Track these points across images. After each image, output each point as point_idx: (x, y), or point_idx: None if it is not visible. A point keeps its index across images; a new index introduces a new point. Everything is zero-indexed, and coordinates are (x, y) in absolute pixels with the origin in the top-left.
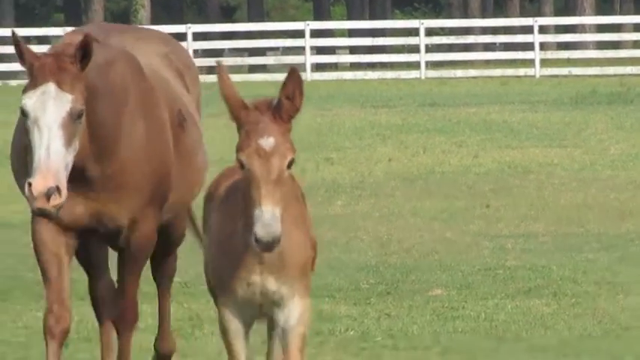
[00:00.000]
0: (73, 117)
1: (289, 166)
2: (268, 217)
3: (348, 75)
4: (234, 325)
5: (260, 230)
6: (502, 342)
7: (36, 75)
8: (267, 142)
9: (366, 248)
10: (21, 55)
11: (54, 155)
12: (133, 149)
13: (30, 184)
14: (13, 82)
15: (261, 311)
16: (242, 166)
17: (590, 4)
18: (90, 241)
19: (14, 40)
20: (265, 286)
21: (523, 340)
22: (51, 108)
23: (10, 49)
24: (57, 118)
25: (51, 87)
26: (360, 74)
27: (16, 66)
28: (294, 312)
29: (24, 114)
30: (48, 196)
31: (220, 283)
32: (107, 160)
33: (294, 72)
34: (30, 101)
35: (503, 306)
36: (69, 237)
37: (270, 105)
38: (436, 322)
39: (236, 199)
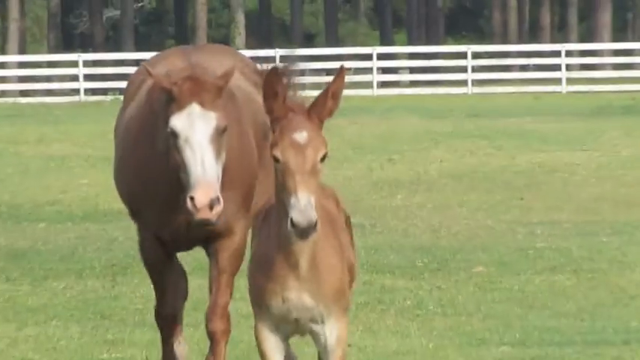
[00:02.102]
0: (219, 132)
1: (322, 159)
2: (304, 202)
3: (408, 91)
4: (269, 341)
5: (296, 215)
6: (531, 309)
7: (178, 97)
8: (301, 135)
9: (421, 233)
10: (160, 85)
11: (209, 169)
12: (232, 157)
13: (192, 198)
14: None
15: (298, 328)
16: (277, 160)
17: (608, 32)
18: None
19: (147, 71)
20: (302, 302)
21: (548, 308)
22: (199, 126)
23: (129, 70)
24: (206, 135)
25: (195, 107)
26: (417, 90)
27: None
28: (333, 333)
29: (174, 135)
30: (211, 206)
31: (258, 298)
32: None
33: (342, 71)
34: (179, 122)
35: (533, 280)
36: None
37: (303, 106)
38: (478, 294)
39: (270, 221)
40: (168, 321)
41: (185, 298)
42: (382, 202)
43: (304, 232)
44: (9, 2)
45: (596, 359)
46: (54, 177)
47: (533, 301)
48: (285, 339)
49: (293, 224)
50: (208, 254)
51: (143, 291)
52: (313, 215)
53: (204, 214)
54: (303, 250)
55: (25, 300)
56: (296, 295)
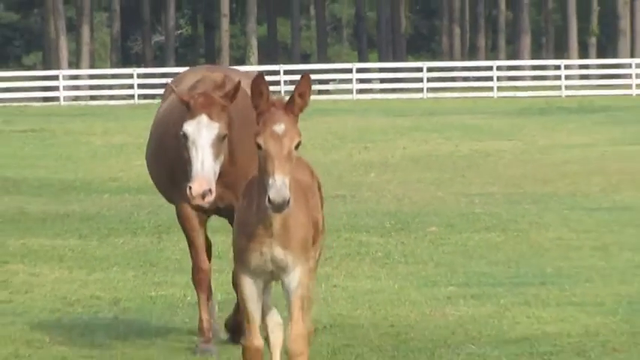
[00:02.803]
0: (220, 139)
1: (297, 147)
2: (280, 183)
3: (378, 96)
4: (249, 288)
5: (273, 194)
6: (471, 259)
7: (193, 109)
8: (280, 127)
9: (388, 202)
10: (181, 99)
11: (207, 167)
12: (244, 153)
13: (190, 188)
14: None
15: (272, 277)
16: (259, 147)
17: (528, 52)
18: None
19: (172, 88)
20: (274, 255)
21: (484, 257)
22: (204, 133)
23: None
24: (208, 141)
25: (204, 118)
26: (386, 96)
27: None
28: (296, 277)
29: (185, 137)
30: (203, 196)
31: (239, 252)
32: (232, 162)
33: (305, 77)
34: (190, 128)
35: (472, 237)
36: (202, 215)
37: (283, 102)
38: (431, 247)
39: (252, 192)
40: (202, 275)
41: (210, 260)
42: (359, 178)
43: (279, 207)
44: (82, 30)
45: (520, 296)
46: (115, 160)
47: (472, 252)
48: (261, 286)
49: (270, 201)
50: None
51: (181, 245)
52: (287, 194)
53: (197, 201)
54: (276, 216)
55: (94, 252)
56: (269, 249)
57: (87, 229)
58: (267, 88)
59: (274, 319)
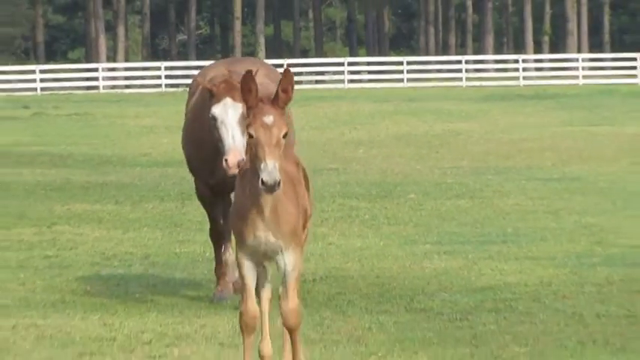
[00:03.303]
0: (244, 117)
1: (284, 136)
2: (271, 167)
3: (366, 85)
4: (246, 264)
5: (265, 176)
6: (444, 221)
7: (217, 94)
8: (269, 118)
9: (374, 173)
10: (206, 87)
11: (237, 141)
12: None
13: (226, 160)
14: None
15: (266, 257)
16: (251, 136)
17: (491, 48)
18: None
19: (198, 81)
20: (267, 239)
21: (455, 220)
22: (231, 113)
23: (193, 72)
24: (235, 119)
25: (228, 100)
26: (372, 85)
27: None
28: (290, 260)
29: (214, 119)
30: (238, 165)
31: (238, 235)
32: None
33: (288, 72)
34: (217, 110)
35: (445, 203)
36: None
37: (270, 97)
38: (410, 211)
39: (245, 181)
40: (219, 236)
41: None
42: (350, 154)
43: (271, 188)
44: (118, 30)
45: (485, 252)
46: (145, 139)
47: (445, 216)
48: (258, 265)
49: (263, 182)
50: None
51: (202, 210)
52: (277, 176)
53: (233, 171)
54: (268, 201)
55: (127, 215)
56: (263, 234)
57: (122, 196)
58: (256, 85)
59: (266, 293)
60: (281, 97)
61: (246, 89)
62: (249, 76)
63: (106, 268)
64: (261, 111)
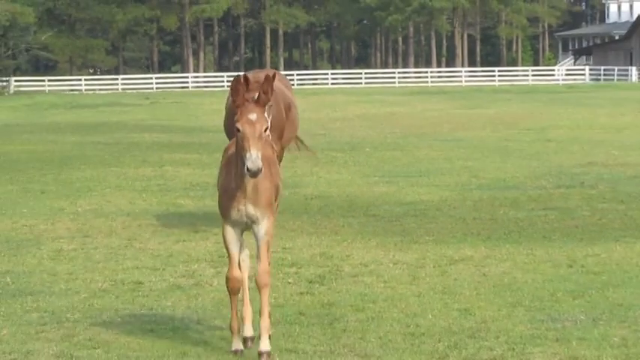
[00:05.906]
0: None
1: (265, 130)
2: (255, 156)
3: (342, 86)
4: (230, 235)
5: (250, 164)
6: (385, 163)
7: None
8: (253, 116)
9: (346, 136)
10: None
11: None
12: (275, 119)
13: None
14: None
15: (246, 226)
16: (238, 130)
17: (412, 63)
18: None
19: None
20: (247, 211)
21: (392, 163)
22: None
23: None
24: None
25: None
26: (345, 86)
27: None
28: (263, 227)
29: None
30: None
31: (223, 209)
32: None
33: (267, 78)
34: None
35: (386, 154)
36: None
37: (254, 98)
38: (367, 158)
39: (230, 166)
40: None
41: None
42: (332, 125)
43: (254, 173)
44: (199, 54)
45: (409, 181)
46: (215, 116)
47: (386, 160)
48: (240, 233)
49: (248, 169)
50: None
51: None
52: (260, 164)
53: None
54: (250, 182)
55: (204, 160)
56: (244, 207)
57: (203, 150)
58: (243, 88)
59: (245, 263)
60: (262, 98)
61: (234, 90)
62: (237, 80)
63: (192, 191)
64: (247, 109)
